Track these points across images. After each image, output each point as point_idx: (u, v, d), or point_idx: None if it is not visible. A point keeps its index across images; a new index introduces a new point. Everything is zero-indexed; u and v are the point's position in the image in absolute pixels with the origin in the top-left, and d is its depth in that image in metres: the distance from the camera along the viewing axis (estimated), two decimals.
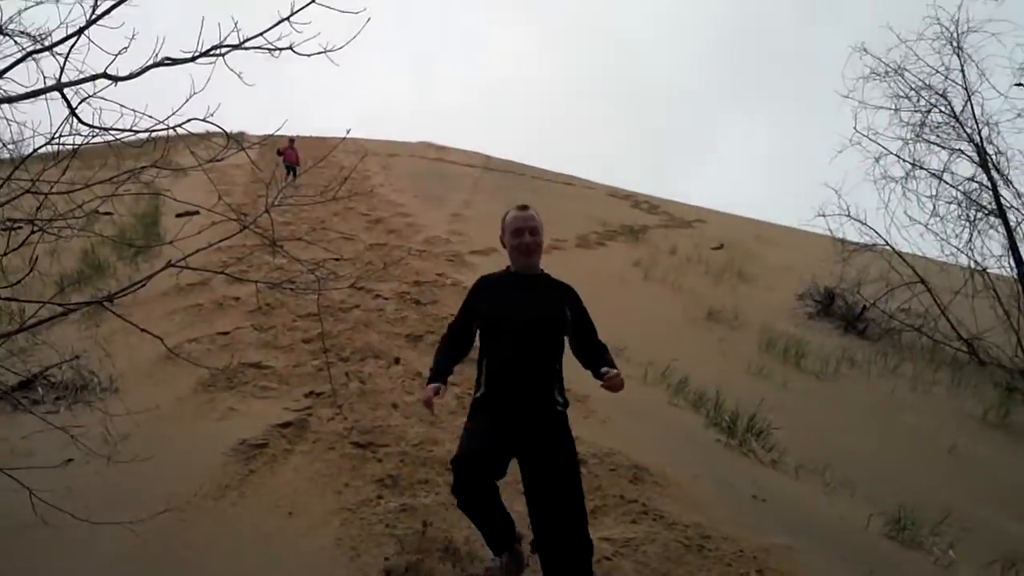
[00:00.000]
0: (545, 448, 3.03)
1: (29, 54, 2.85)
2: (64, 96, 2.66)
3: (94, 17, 2.58)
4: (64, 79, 2.64)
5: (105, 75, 2.64)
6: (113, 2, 2.55)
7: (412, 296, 8.68)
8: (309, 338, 6.82)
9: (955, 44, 10.79)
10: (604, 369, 3.10)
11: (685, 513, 3.97)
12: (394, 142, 34.61)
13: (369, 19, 2.83)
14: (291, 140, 19.22)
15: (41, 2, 3.30)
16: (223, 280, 8.32)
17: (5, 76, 2.93)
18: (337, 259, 9.95)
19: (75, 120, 2.72)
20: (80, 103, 2.71)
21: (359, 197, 15.66)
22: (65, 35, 2.67)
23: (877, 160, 11.46)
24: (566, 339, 3.25)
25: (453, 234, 13.86)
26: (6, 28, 3.44)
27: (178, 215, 11.93)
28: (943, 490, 5.68)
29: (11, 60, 2.83)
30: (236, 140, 3.32)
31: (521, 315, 3.14)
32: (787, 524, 4.32)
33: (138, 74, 2.67)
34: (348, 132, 4.17)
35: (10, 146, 3.91)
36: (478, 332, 3.28)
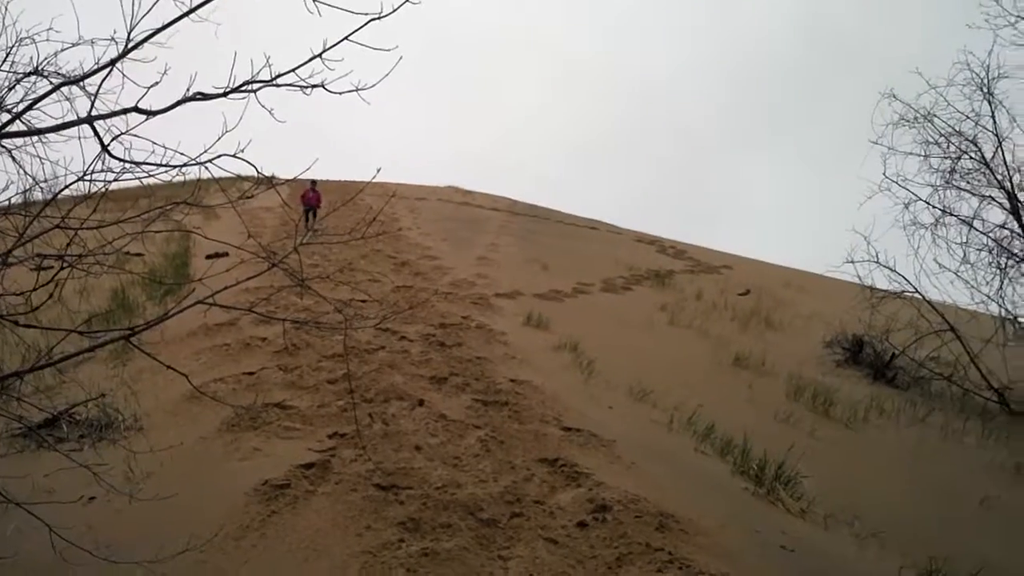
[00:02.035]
0: None
1: (59, 86, 2.89)
2: (95, 130, 2.69)
3: (126, 49, 2.62)
4: (95, 113, 2.67)
5: (136, 109, 2.67)
6: (143, 36, 2.59)
7: (437, 338, 8.66)
8: (334, 379, 6.81)
9: (985, 90, 10.73)
10: None
11: (712, 562, 3.85)
12: (422, 186, 34.95)
13: (401, 58, 2.85)
14: (313, 183, 19.39)
15: (76, 44, 3.38)
16: (250, 321, 8.37)
17: (40, 116, 2.99)
18: (364, 300, 9.97)
19: (107, 156, 2.75)
20: (112, 140, 2.74)
21: (386, 240, 15.78)
22: (96, 68, 2.71)
23: (907, 206, 11.33)
24: None
25: (479, 277, 13.88)
26: (42, 69, 3.52)
27: (207, 256, 12.09)
28: (975, 542, 5.51)
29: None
30: (266, 178, 3.34)
31: None
32: (816, 575, 4.18)
33: (170, 108, 2.69)
34: (379, 171, 4.17)
35: (43, 184, 3.98)
36: None
